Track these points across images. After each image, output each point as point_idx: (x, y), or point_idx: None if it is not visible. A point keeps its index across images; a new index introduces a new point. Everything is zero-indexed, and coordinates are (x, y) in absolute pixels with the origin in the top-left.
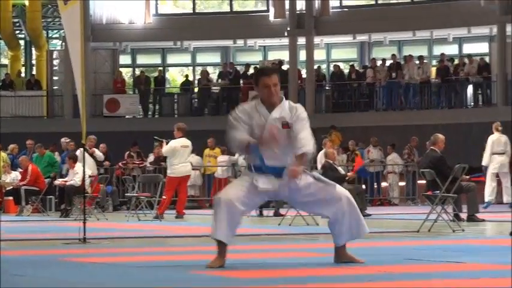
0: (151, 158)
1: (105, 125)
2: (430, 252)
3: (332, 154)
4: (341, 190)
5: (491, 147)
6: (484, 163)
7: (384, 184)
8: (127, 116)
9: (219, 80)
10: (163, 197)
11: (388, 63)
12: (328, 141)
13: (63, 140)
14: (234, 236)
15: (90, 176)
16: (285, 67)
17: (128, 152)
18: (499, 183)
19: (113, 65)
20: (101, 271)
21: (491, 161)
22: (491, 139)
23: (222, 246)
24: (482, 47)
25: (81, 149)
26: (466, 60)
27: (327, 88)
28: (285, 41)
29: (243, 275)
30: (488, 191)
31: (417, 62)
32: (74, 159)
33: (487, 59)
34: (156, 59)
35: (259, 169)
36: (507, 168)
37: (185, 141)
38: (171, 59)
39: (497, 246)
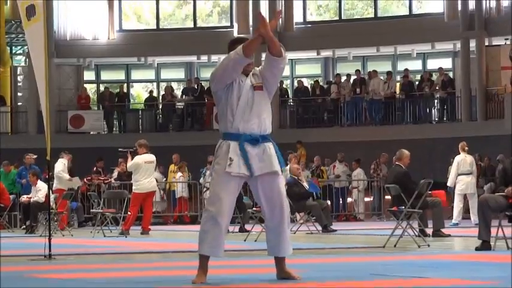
0: (115, 174)
1: (69, 141)
2: (396, 267)
3: (296, 170)
4: (285, 211)
5: (457, 168)
6: (449, 184)
7: (349, 199)
8: (91, 132)
9: (184, 96)
10: (129, 213)
11: (352, 78)
12: (294, 157)
13: (28, 156)
14: (221, 250)
15: (53, 193)
16: None
17: (94, 168)
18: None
19: (77, 81)
20: (67, 287)
21: (458, 181)
22: (456, 160)
23: (204, 260)
24: (446, 63)
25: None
26: (437, 74)
27: (291, 104)
28: None
29: None
30: (456, 212)
31: (382, 78)
32: (37, 175)
33: (450, 74)
34: (120, 75)
35: (236, 137)
36: (474, 189)
37: (149, 157)
38: (135, 75)
39: (463, 261)
